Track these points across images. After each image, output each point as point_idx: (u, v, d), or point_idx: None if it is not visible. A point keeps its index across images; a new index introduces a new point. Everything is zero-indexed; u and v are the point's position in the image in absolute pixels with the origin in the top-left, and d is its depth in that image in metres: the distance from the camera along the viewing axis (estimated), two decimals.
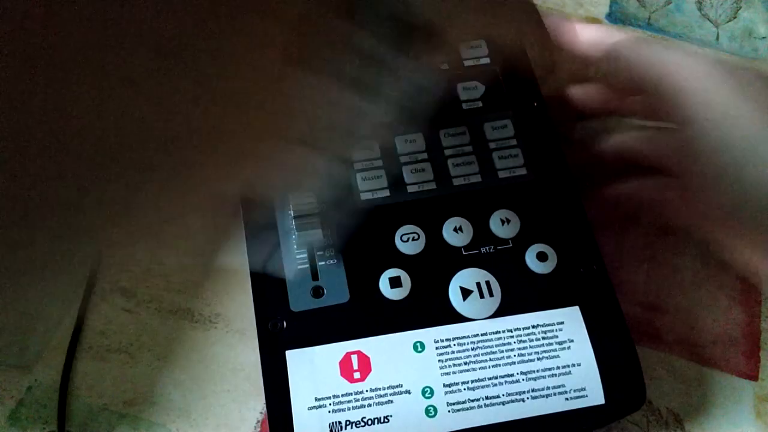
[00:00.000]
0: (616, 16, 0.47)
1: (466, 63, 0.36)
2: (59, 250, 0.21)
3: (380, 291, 0.29)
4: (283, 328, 0.28)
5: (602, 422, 0.29)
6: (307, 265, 0.30)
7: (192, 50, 0.16)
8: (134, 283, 0.35)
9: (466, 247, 0.31)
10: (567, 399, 0.28)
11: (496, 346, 0.28)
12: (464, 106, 0.34)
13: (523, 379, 0.28)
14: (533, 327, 0.29)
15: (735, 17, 0.47)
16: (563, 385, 0.28)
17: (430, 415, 0.27)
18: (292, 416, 0.27)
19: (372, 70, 0.23)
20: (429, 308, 0.29)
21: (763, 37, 0.46)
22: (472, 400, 0.27)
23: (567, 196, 0.32)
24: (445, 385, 0.27)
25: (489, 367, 0.28)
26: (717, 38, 0.46)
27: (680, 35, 0.46)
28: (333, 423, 0.27)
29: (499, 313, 0.29)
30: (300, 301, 0.29)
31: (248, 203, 0.31)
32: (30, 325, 0.35)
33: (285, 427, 0.27)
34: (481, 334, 0.28)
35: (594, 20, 0.46)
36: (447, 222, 0.31)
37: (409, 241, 0.30)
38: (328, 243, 0.30)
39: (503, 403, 0.27)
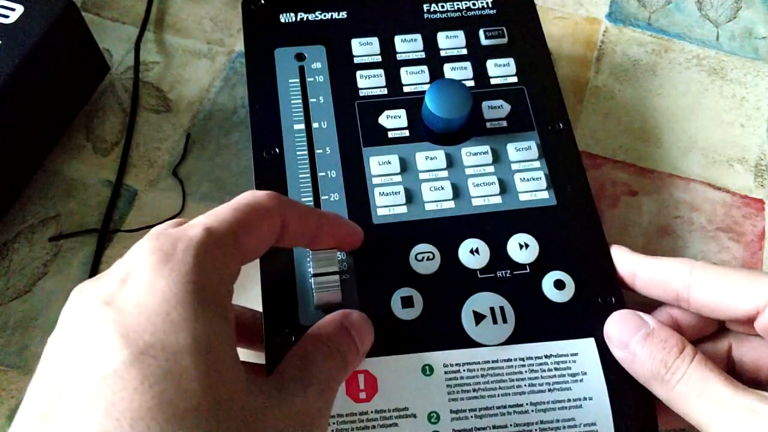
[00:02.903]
0: (616, 16, 0.47)
1: (493, 81, 0.35)
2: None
3: (391, 310, 0.29)
4: (292, 341, 0.28)
5: None
6: None
7: None
8: None
9: (482, 270, 0.30)
10: None
11: (507, 374, 0.28)
12: (488, 125, 0.34)
13: (532, 410, 0.27)
14: (546, 357, 0.28)
15: (735, 17, 0.47)
16: (573, 419, 0.27)
17: None
18: None
19: None
20: (440, 331, 0.28)
21: (763, 37, 0.46)
22: (479, 429, 0.27)
23: (588, 223, 0.31)
24: (452, 411, 0.27)
25: (498, 396, 0.27)
26: (717, 38, 0.46)
27: (680, 35, 0.46)
28: None
29: (511, 341, 0.28)
30: (310, 315, 0.28)
31: None
32: (30, 324, 0.35)
33: None
34: (492, 361, 0.28)
35: (594, 20, 0.47)
36: (463, 243, 0.30)
37: (423, 260, 0.30)
38: (341, 258, 0.30)
39: None
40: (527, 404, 0.27)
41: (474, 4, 0.37)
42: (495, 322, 0.29)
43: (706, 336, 0.29)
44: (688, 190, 0.40)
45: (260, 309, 0.29)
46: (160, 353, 0.19)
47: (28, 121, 0.37)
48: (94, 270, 0.36)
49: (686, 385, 0.25)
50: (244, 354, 0.33)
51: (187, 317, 0.20)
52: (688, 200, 0.40)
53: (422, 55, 0.36)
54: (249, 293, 0.30)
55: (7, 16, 0.35)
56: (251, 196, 0.25)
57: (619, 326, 0.28)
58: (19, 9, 0.36)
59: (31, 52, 0.35)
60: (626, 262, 0.30)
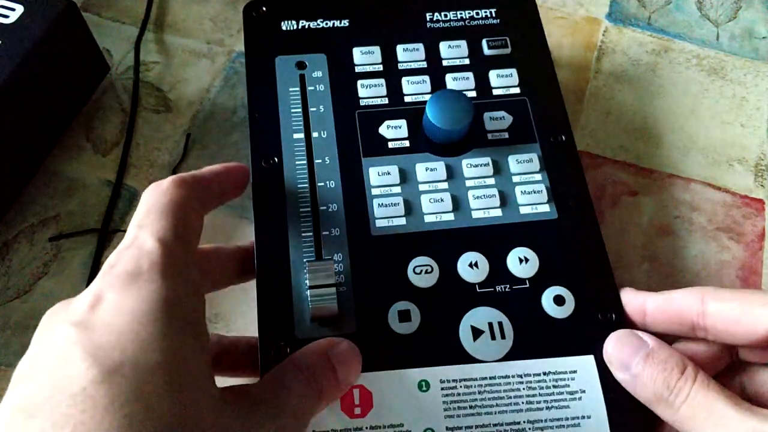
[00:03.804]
0: (616, 16, 0.47)
1: (495, 92, 0.35)
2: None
3: (388, 324, 0.28)
4: (287, 354, 0.28)
5: None
6: None
7: None
8: None
9: (481, 284, 0.30)
10: None
11: (504, 391, 0.27)
12: (489, 136, 0.33)
13: (529, 428, 0.27)
14: (544, 374, 0.28)
15: (735, 17, 0.47)
16: None
17: None
18: None
19: None
20: (437, 346, 0.28)
21: (763, 37, 0.46)
22: None
23: (589, 238, 0.31)
24: (447, 429, 0.26)
25: (495, 413, 0.27)
26: (717, 38, 0.46)
27: (680, 35, 0.46)
28: None
29: (509, 357, 0.28)
30: (306, 328, 0.28)
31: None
32: (30, 324, 0.35)
33: None
34: (490, 378, 0.27)
35: (594, 20, 0.47)
36: (462, 256, 0.30)
37: (422, 273, 0.30)
38: (338, 270, 0.29)
39: None
40: (524, 422, 0.27)
41: (477, 14, 0.37)
42: (493, 337, 0.28)
43: (720, 372, 0.28)
44: (688, 190, 0.40)
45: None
46: (130, 372, 0.19)
47: (28, 121, 0.37)
48: (94, 270, 0.36)
49: (691, 407, 0.25)
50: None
51: (157, 335, 0.20)
52: (688, 200, 0.40)
53: (424, 64, 0.35)
54: (250, 296, 0.30)
55: (7, 16, 0.35)
56: (162, 194, 0.24)
57: (618, 347, 0.27)
58: (19, 9, 0.36)
59: (31, 52, 0.35)
60: (634, 301, 0.29)
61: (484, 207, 0.31)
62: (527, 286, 0.30)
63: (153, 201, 0.24)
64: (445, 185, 0.32)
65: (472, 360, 0.28)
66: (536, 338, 0.28)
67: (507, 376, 0.27)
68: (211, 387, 0.22)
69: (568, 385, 0.27)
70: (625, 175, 0.41)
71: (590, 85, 0.44)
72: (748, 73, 0.45)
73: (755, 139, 0.43)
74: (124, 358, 0.19)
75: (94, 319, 0.20)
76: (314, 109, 0.34)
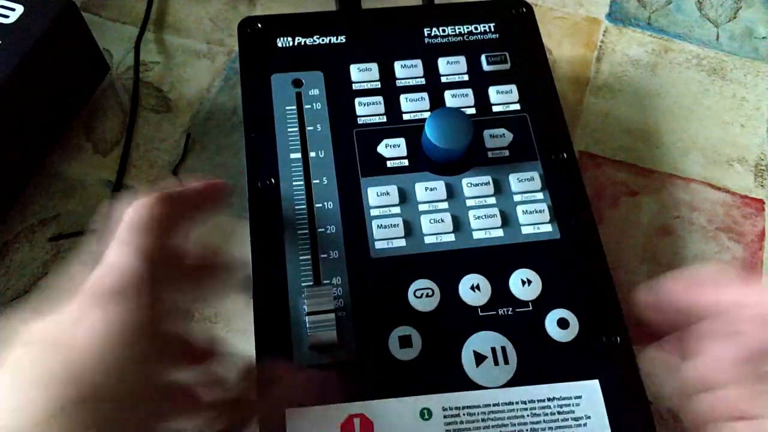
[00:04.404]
0: (616, 16, 0.47)
1: (495, 108, 0.34)
2: None
3: (389, 350, 0.28)
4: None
5: None
6: None
7: None
8: None
9: (483, 308, 0.29)
10: None
11: (508, 418, 0.27)
12: (490, 154, 0.33)
13: None
14: (548, 400, 0.27)
15: (735, 17, 0.48)
16: None
17: None
18: None
19: None
20: (439, 372, 0.27)
21: (763, 37, 0.47)
22: None
23: (593, 258, 0.30)
24: None
25: None
26: (717, 38, 0.47)
27: (680, 35, 0.46)
28: None
29: (513, 382, 0.27)
30: (304, 355, 0.28)
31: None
32: None
33: None
34: (493, 405, 0.27)
35: (594, 20, 0.47)
36: (464, 279, 0.29)
37: (422, 297, 0.29)
38: (337, 294, 0.29)
39: None
40: None
41: (476, 29, 0.36)
42: (496, 363, 0.28)
43: None
44: (688, 190, 0.40)
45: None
46: (105, 394, 0.19)
47: (28, 121, 0.37)
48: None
49: None
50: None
51: (135, 356, 0.20)
52: (688, 200, 0.40)
53: (422, 81, 0.35)
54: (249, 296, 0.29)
55: (7, 16, 0.35)
56: (144, 211, 0.24)
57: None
58: (19, 9, 0.36)
59: (31, 52, 0.35)
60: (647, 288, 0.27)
61: (485, 227, 0.31)
62: (530, 308, 0.29)
63: (136, 217, 0.24)
64: (445, 205, 0.31)
65: (475, 386, 0.27)
66: (540, 363, 0.28)
67: (510, 403, 0.27)
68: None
69: (573, 411, 0.27)
70: (625, 175, 0.41)
71: (590, 85, 0.44)
72: (748, 73, 0.45)
73: (755, 139, 0.43)
74: (100, 380, 0.19)
75: (71, 339, 0.20)
76: (311, 127, 0.33)
